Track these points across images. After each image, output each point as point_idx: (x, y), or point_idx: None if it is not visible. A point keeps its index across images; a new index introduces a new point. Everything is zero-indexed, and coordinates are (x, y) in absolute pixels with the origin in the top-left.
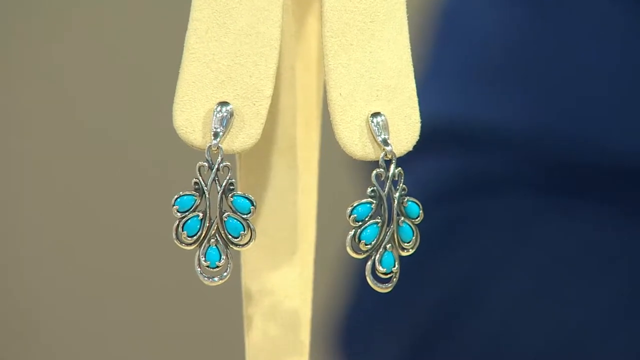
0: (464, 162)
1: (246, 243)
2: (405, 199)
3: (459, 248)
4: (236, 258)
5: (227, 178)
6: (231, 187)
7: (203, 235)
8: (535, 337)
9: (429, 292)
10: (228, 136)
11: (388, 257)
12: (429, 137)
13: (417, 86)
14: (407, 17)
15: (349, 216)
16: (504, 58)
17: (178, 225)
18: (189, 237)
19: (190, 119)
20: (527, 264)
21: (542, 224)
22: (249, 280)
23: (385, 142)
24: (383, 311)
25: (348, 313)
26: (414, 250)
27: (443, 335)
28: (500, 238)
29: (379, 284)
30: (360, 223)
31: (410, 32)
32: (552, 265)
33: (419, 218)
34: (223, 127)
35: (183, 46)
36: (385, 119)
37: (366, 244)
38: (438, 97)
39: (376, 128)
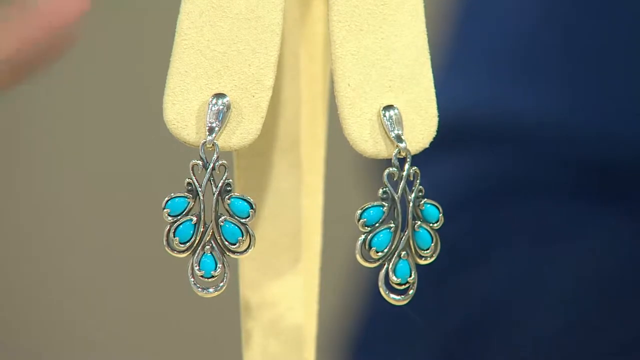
0: (491, 161)
1: (245, 250)
2: (422, 201)
3: (484, 259)
4: (233, 267)
5: (224, 178)
6: (228, 189)
7: (197, 241)
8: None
9: (452, 307)
10: (224, 132)
11: (403, 266)
12: (451, 133)
13: (440, 78)
14: (430, 4)
15: (359, 220)
16: (535, 48)
17: (169, 230)
18: (181, 243)
19: (183, 113)
20: (562, 278)
21: (578, 232)
22: (247, 291)
23: (399, 138)
24: (400, 327)
25: (360, 329)
26: (433, 258)
27: (467, 352)
28: (531, 248)
29: (393, 296)
30: (370, 228)
31: (430, 18)
32: (589, 279)
33: (438, 222)
34: (219, 121)
35: (174, 32)
36: (399, 113)
37: (377, 252)
38: (463, 89)
39: (389, 123)
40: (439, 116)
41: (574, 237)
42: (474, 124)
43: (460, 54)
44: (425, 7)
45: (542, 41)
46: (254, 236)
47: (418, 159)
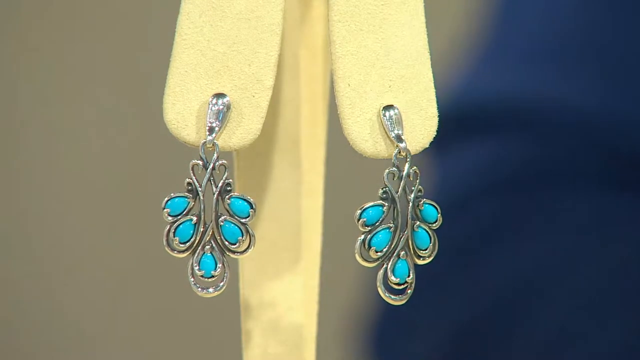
0: (519, 146)
1: (244, 250)
2: (422, 202)
3: (506, 244)
4: (233, 267)
5: (224, 178)
6: (228, 188)
7: (197, 241)
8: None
9: (458, 306)
10: (225, 131)
11: (402, 266)
12: (478, 117)
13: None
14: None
15: (358, 220)
16: (569, 35)
17: (169, 230)
18: (181, 243)
19: (183, 113)
20: (584, 273)
21: (606, 224)
22: (247, 291)
23: (399, 138)
24: (404, 327)
25: (362, 329)
26: (431, 258)
27: (475, 351)
28: (553, 241)
29: (391, 296)
30: (370, 228)
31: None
32: (614, 269)
33: (437, 222)
34: (219, 121)
35: (174, 32)
36: (399, 113)
37: (377, 251)
38: (498, 74)
39: (389, 123)
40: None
41: (599, 226)
42: (503, 109)
43: (495, 41)
44: (427, 6)
45: (576, 29)
46: (254, 236)
47: (445, 141)
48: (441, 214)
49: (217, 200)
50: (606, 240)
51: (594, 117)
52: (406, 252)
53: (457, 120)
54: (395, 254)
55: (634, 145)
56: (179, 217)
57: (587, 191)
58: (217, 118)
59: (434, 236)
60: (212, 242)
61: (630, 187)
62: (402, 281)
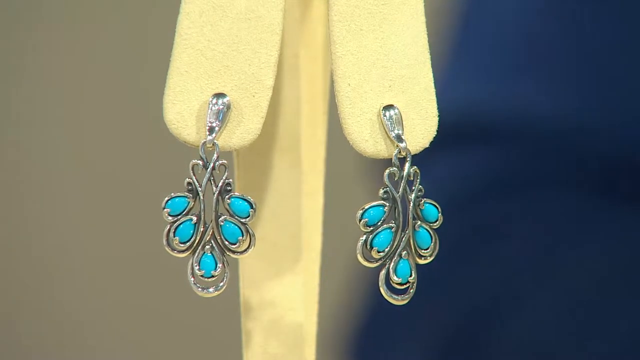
0: (495, 157)
1: (245, 250)
2: (422, 201)
3: (493, 251)
4: (234, 266)
5: (224, 178)
6: (228, 188)
7: (197, 241)
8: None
9: (455, 305)
10: (225, 131)
11: (404, 266)
12: (453, 130)
13: (441, 75)
14: (430, 1)
15: (360, 220)
16: (547, 43)
17: (169, 230)
18: (181, 243)
19: (183, 113)
20: (566, 274)
21: (585, 227)
22: (247, 291)
23: (399, 138)
24: (401, 327)
25: (361, 328)
26: (432, 257)
27: (470, 351)
28: (535, 245)
29: (394, 296)
30: (372, 228)
31: (432, 17)
32: (595, 276)
33: (437, 222)
34: (219, 121)
35: (174, 32)
36: (399, 113)
37: (379, 252)
38: (464, 86)
39: (389, 122)
40: (445, 114)
41: (584, 233)
42: (477, 121)
43: (470, 49)
44: (427, 5)
45: (554, 36)
46: (254, 236)
47: (432, 152)
48: (442, 214)
49: (217, 200)
50: (586, 241)
51: (564, 122)
52: (408, 252)
53: None
54: (397, 253)
55: (605, 149)
56: (179, 217)
57: (562, 197)
58: (217, 118)
59: (434, 236)
60: (212, 242)
61: (611, 193)
62: (405, 281)
